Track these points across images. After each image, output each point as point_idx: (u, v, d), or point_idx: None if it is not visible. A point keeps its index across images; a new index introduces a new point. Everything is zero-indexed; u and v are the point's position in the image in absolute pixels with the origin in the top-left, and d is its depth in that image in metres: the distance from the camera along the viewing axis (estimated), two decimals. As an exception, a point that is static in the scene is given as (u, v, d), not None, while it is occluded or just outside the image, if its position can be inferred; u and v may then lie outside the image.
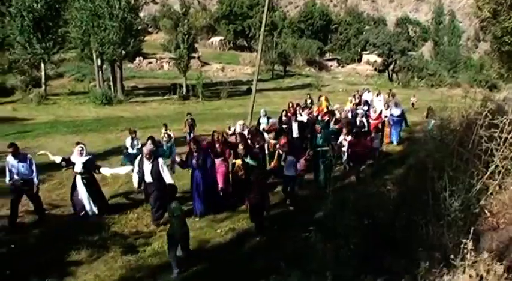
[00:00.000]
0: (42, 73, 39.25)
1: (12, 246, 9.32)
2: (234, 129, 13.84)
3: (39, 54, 37.92)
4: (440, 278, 4.69)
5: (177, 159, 12.33)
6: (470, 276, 4.50)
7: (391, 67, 62.33)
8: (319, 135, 12.97)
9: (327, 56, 75.04)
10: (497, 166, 5.87)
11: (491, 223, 5.79)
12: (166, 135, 16.06)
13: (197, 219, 10.60)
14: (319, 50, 70.93)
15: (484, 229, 5.63)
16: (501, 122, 6.00)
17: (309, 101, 21.68)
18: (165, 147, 13.81)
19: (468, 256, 4.47)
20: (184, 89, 42.33)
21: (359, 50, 71.47)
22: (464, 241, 4.51)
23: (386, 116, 18.28)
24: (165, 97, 40.53)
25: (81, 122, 27.86)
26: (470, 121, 6.95)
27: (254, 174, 9.98)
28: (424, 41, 78.69)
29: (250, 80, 40.82)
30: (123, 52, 38.46)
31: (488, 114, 6.08)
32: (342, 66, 70.25)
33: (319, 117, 16.71)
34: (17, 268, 8.23)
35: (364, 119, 16.31)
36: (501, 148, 6.01)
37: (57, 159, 10.83)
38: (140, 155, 10.54)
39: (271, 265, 7.37)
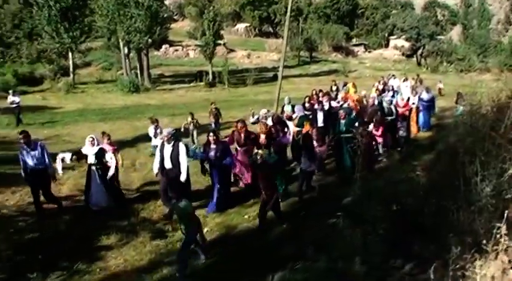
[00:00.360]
0: (70, 62, 39.82)
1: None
2: (258, 117, 13.61)
3: (67, 43, 38.44)
4: (472, 263, 4.62)
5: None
6: (503, 261, 4.43)
7: (419, 52, 61.20)
8: (342, 122, 12.66)
9: (354, 41, 73.90)
10: (530, 150, 5.73)
11: (523, 209, 5.67)
12: (191, 124, 16.16)
13: (208, 216, 10.20)
14: (346, 35, 69.94)
15: (516, 215, 5.52)
16: (534, 105, 5.86)
17: (334, 88, 21.44)
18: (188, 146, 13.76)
19: (502, 240, 4.39)
20: (211, 76, 42.45)
21: (386, 35, 70.31)
22: (498, 225, 4.43)
23: (413, 103, 17.61)
24: (192, 84, 40.76)
25: (109, 110, 28.30)
26: (502, 105, 6.76)
27: (258, 167, 9.31)
28: (452, 25, 76.82)
29: (276, 66, 40.70)
30: (150, 40, 38.68)
31: (522, 97, 5.94)
32: (369, 52, 69.20)
33: (347, 104, 16.43)
34: (49, 253, 8.39)
35: (392, 107, 15.76)
36: (534, 131, 5.86)
37: (67, 156, 10.49)
38: (162, 141, 10.44)
39: (299, 251, 7.37)
